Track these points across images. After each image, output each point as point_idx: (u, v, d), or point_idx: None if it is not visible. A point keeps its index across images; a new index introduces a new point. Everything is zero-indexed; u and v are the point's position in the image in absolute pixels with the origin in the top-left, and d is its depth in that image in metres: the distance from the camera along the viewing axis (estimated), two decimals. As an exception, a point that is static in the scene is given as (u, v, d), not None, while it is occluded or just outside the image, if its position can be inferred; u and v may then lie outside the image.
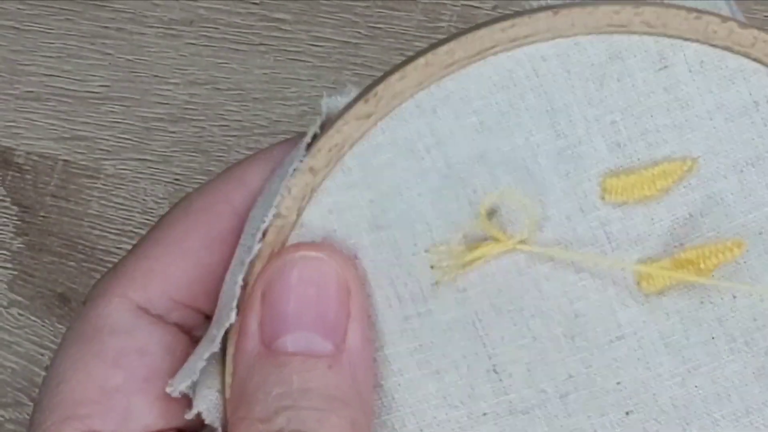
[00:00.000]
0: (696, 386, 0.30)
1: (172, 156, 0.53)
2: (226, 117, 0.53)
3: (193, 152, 0.53)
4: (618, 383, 0.30)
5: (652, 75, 0.30)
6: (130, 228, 0.53)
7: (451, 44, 0.30)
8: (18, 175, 0.54)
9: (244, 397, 0.29)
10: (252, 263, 0.30)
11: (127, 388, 0.30)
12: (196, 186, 0.53)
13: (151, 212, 0.53)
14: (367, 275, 0.30)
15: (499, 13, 0.53)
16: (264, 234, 0.30)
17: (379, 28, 0.53)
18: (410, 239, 0.30)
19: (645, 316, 0.30)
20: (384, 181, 0.30)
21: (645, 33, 0.30)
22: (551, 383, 0.30)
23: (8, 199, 0.54)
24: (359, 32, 0.53)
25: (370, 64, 0.53)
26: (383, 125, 0.30)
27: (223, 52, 0.54)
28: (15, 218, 0.54)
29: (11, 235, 0.54)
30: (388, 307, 0.30)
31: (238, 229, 0.31)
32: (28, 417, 0.52)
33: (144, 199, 0.53)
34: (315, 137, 0.30)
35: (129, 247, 0.53)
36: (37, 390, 0.52)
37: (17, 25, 0.55)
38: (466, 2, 0.53)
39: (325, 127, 0.30)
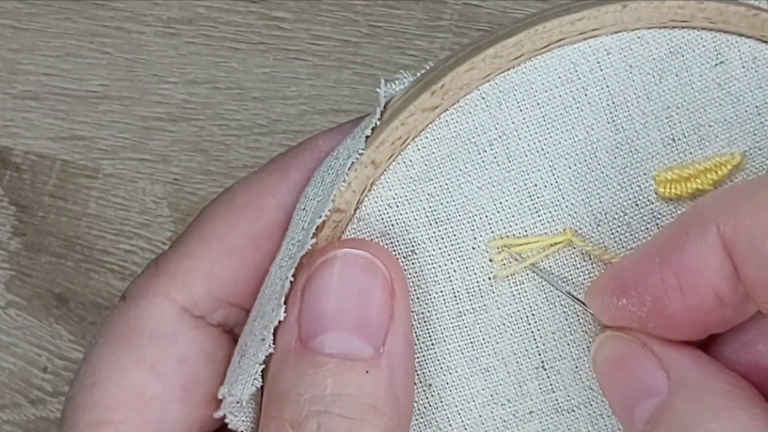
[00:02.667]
0: None
1: (171, 155, 0.53)
2: (225, 116, 0.53)
3: (192, 152, 0.53)
4: None
5: (708, 70, 0.30)
6: (128, 228, 0.53)
7: (520, 36, 0.29)
8: (16, 174, 0.54)
9: (275, 395, 0.28)
10: (303, 258, 0.29)
11: (164, 397, 0.30)
12: (195, 185, 0.53)
13: (150, 212, 0.53)
14: (423, 271, 0.30)
15: (502, 12, 0.52)
16: (318, 228, 0.29)
17: (380, 26, 0.53)
18: (469, 233, 0.30)
19: None
20: (444, 175, 0.30)
21: (704, 28, 0.30)
22: None
23: (6, 199, 0.54)
24: (359, 31, 0.53)
25: (371, 62, 0.52)
26: (447, 117, 0.30)
27: (222, 50, 0.54)
28: (13, 218, 0.54)
29: (9, 235, 0.53)
30: (443, 303, 0.30)
31: (284, 223, 0.31)
32: (25, 419, 0.52)
33: (143, 199, 0.53)
34: (374, 129, 0.30)
35: (127, 247, 0.53)
36: (35, 391, 0.52)
37: (15, 24, 0.55)
38: (467, 1, 0.53)
39: (381, 116, 0.30)
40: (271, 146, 0.52)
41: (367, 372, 0.28)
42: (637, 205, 0.30)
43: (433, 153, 0.30)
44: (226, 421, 0.29)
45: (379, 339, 0.28)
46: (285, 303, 0.29)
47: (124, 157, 0.53)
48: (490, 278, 0.30)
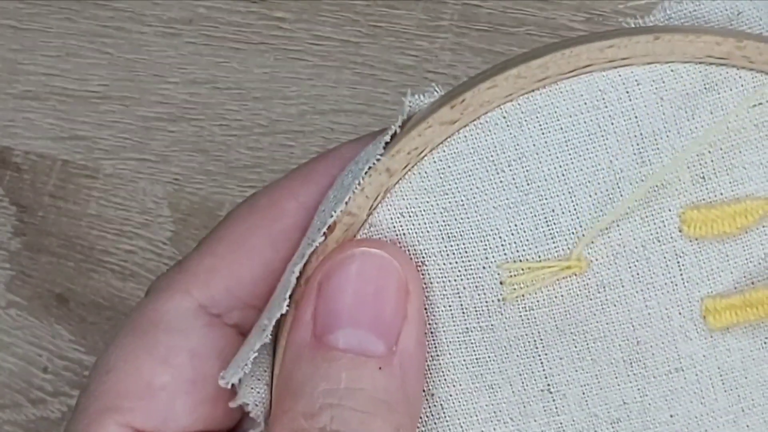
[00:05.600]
0: (747, 426, 0.30)
1: (171, 155, 0.53)
2: (225, 116, 0.53)
3: (192, 152, 0.53)
4: (671, 416, 0.30)
5: (745, 111, 0.29)
6: (128, 228, 0.53)
7: (546, 58, 0.29)
8: (16, 174, 0.54)
9: (289, 389, 0.28)
10: (311, 256, 0.29)
11: (172, 388, 0.30)
12: (195, 185, 0.53)
13: (150, 212, 0.53)
14: (432, 283, 0.30)
15: (502, 12, 0.52)
16: (330, 228, 0.29)
17: (380, 26, 0.53)
18: (482, 252, 0.30)
19: (706, 351, 0.30)
20: (460, 191, 0.29)
21: (744, 67, 0.29)
22: (604, 408, 0.30)
23: (6, 199, 0.54)
24: (360, 31, 0.53)
25: (371, 63, 0.52)
26: (466, 133, 0.29)
27: (222, 50, 0.54)
28: (13, 218, 0.54)
29: (9, 235, 0.53)
30: (450, 317, 0.30)
31: (305, 225, 0.31)
32: (25, 419, 0.52)
33: (143, 199, 0.53)
34: (393, 136, 0.30)
35: (128, 247, 0.53)
36: (35, 392, 0.52)
37: (16, 24, 0.55)
38: (467, 1, 0.53)
39: (404, 126, 0.30)
40: (272, 146, 0.53)
41: (380, 368, 0.28)
42: (658, 240, 0.30)
43: (450, 167, 0.29)
44: (246, 411, 0.30)
45: (392, 338, 0.29)
46: (289, 297, 0.29)
47: (125, 157, 0.53)
48: (499, 300, 0.30)
